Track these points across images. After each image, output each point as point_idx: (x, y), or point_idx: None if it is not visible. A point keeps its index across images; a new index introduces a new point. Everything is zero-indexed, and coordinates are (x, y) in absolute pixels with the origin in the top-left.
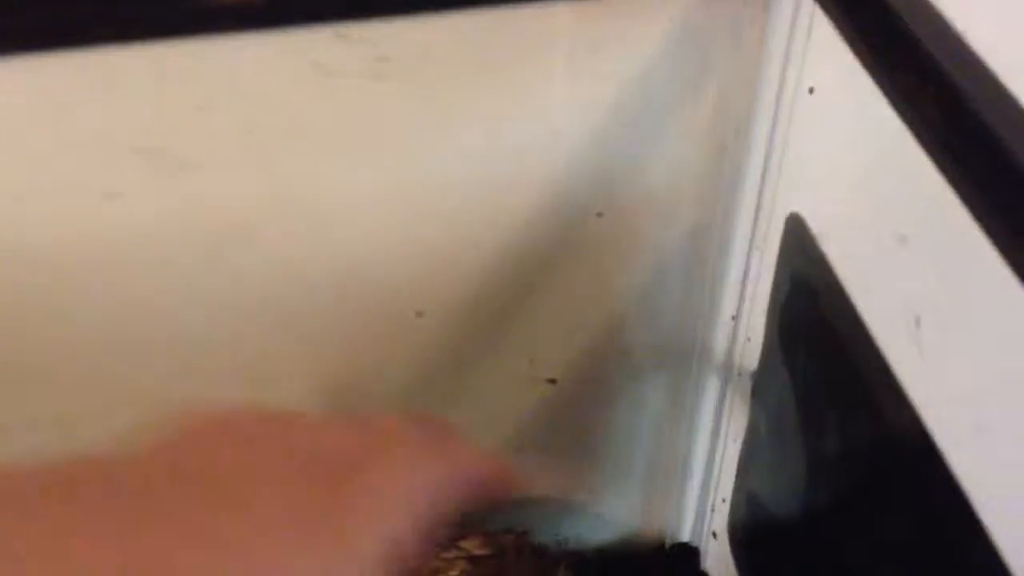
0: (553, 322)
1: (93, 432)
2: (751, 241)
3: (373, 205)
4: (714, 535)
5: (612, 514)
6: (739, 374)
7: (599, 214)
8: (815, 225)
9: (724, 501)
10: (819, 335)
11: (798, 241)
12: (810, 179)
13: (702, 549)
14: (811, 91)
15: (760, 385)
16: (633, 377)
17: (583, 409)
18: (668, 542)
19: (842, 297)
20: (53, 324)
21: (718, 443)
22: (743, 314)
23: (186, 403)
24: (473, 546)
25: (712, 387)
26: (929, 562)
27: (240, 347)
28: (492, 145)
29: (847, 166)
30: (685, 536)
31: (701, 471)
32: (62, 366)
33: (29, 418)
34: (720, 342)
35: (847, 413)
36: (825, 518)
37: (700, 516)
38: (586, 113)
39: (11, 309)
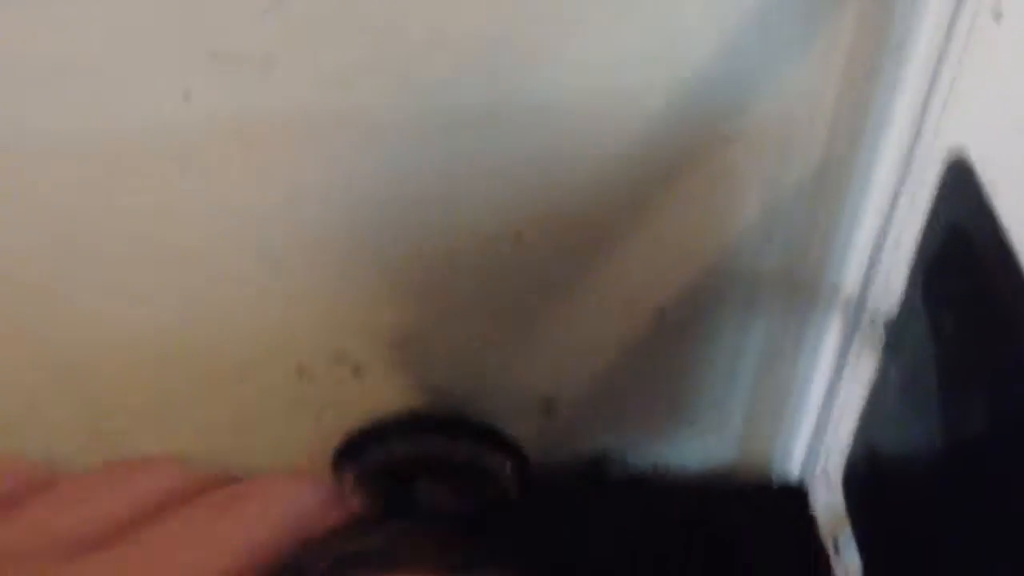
0: (663, 249)
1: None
2: (901, 179)
3: (467, 115)
4: (825, 479)
5: (715, 447)
6: (871, 320)
7: (725, 137)
8: (985, 171)
9: (840, 447)
10: (976, 299)
11: (960, 187)
12: (984, 117)
13: (811, 491)
14: (998, 17)
15: (896, 336)
16: (748, 313)
17: (691, 341)
18: (775, 481)
19: (1012, 260)
20: (125, 223)
21: (839, 386)
22: (883, 257)
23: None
24: None
25: (836, 329)
26: None
27: (318, 263)
28: (607, 53)
29: None
30: (792, 476)
31: (816, 413)
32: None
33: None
34: (851, 284)
35: (999, 386)
36: (954, 484)
37: (811, 458)
38: (716, 21)
39: (85, 205)
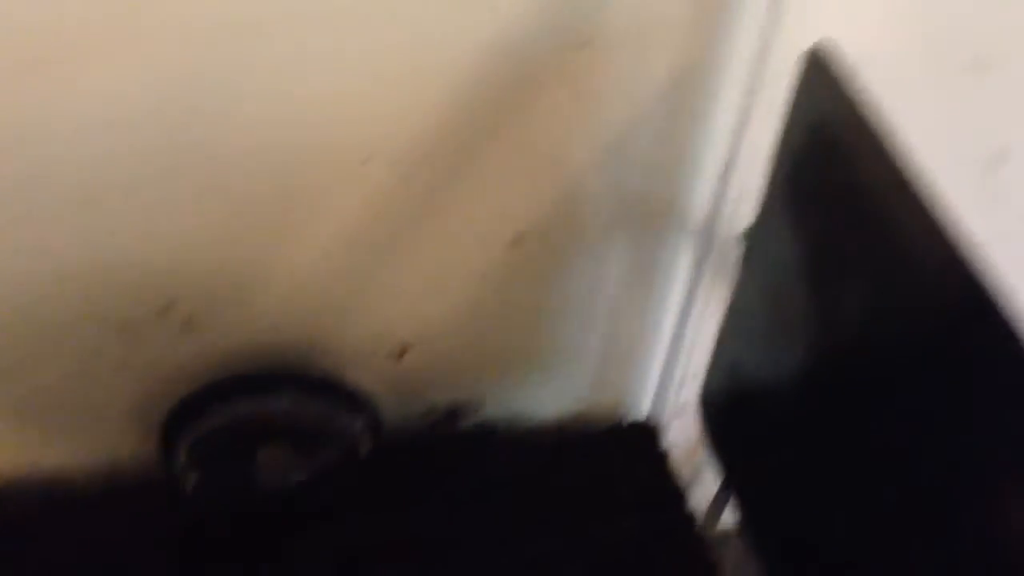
0: (520, 171)
1: None
2: (753, 81)
3: (305, 29)
4: (680, 411)
5: (569, 390)
6: (725, 235)
7: (580, 43)
8: (846, 57)
9: (696, 375)
10: (843, 190)
11: (820, 78)
12: (839, 10)
13: (664, 425)
14: None
15: (754, 245)
16: (604, 236)
17: (548, 273)
18: (627, 419)
19: (881, 141)
20: None
21: (692, 310)
22: (736, 167)
23: None
24: None
25: (690, 249)
26: (976, 437)
27: (138, 197)
28: None
29: None
30: (646, 412)
31: (668, 341)
32: None
33: None
34: (703, 198)
35: (880, 274)
36: (832, 389)
37: (662, 393)
38: None
39: None
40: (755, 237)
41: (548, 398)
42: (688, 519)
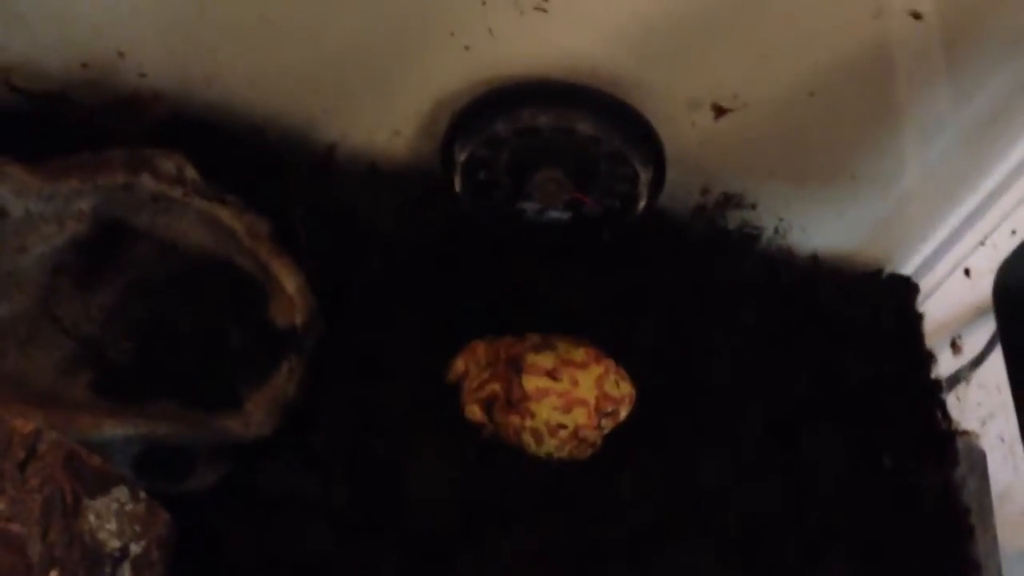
0: None
1: None
2: None
3: None
4: (967, 272)
5: (848, 222)
6: None
7: None
8: None
9: (1015, 233)
10: None
11: None
12: None
13: (933, 287)
14: None
15: None
16: (1008, 41)
17: (916, 71)
18: (888, 270)
19: None
20: None
21: None
22: None
23: None
24: None
25: None
26: None
27: None
28: None
29: None
30: (912, 270)
31: (983, 195)
32: None
33: None
34: None
35: None
36: None
37: (941, 251)
38: None
39: None
40: None
41: (821, 224)
42: (933, 384)
